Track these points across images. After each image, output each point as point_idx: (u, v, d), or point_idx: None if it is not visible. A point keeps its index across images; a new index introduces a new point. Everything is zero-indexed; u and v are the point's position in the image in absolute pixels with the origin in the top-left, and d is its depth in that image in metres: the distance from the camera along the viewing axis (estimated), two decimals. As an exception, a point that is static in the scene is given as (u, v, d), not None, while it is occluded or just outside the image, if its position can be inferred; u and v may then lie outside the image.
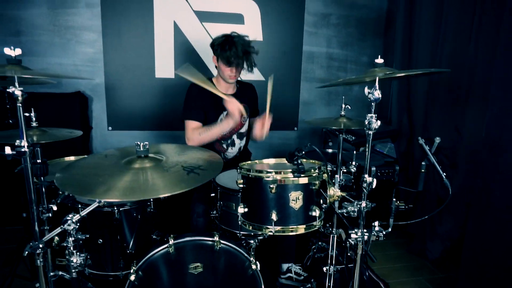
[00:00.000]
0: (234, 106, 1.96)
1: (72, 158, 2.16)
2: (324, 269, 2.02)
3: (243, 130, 2.35)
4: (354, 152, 2.11)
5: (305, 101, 3.35)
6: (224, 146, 2.30)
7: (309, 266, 2.39)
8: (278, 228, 1.37)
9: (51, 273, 1.66)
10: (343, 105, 1.90)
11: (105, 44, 2.90)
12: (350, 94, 3.43)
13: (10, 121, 2.06)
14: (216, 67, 2.23)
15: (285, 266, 2.26)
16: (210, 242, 1.56)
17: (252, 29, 3.08)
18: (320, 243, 2.44)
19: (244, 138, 2.39)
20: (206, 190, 1.96)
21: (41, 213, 1.67)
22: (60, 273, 1.71)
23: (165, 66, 3.03)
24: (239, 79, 2.29)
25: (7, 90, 1.25)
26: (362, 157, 2.80)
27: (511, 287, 1.80)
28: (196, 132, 2.10)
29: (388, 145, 3.13)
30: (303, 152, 1.30)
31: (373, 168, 2.84)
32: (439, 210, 1.66)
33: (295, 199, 1.37)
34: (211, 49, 2.18)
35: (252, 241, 1.85)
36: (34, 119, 1.66)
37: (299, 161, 1.32)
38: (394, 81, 3.03)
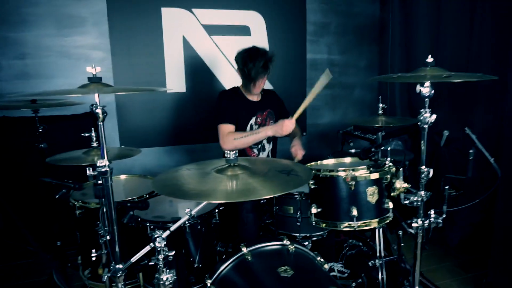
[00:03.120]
0: (290, 127, 2.01)
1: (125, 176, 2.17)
2: (370, 263, 2.10)
3: None
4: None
5: (311, 106, 3.45)
6: (255, 151, 2.34)
7: (345, 263, 2.45)
8: (359, 223, 1.43)
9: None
10: (380, 105, 2.01)
11: (114, 62, 2.85)
12: (351, 98, 3.59)
13: (42, 145, 1.98)
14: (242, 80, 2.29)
15: (327, 266, 2.30)
16: (281, 247, 1.59)
17: (258, 40, 3.15)
18: (351, 240, 2.51)
19: (271, 142, 2.44)
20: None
21: (99, 236, 1.63)
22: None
23: (176, 81, 3.02)
24: None
25: (93, 109, 1.23)
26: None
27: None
28: (231, 136, 2.11)
29: (393, 142, 3.30)
30: (382, 147, 1.38)
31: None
32: (491, 191, 1.79)
33: (372, 194, 1.44)
34: (236, 63, 2.23)
35: (306, 243, 1.90)
36: (94, 139, 1.60)
37: (377, 157, 1.39)
38: (397, 82, 3.22)
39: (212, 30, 3.04)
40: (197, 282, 1.63)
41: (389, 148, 2.20)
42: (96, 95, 1.25)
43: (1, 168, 2.61)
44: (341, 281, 2.27)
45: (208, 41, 3.04)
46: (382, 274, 2.01)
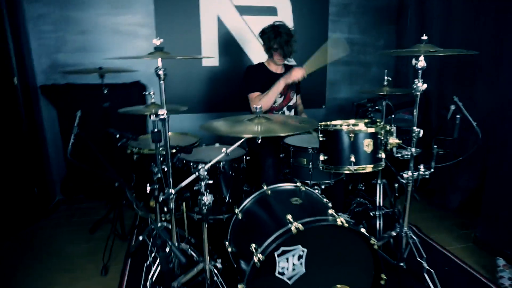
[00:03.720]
0: (300, 72, 2.49)
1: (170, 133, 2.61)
2: (371, 213, 2.49)
3: (291, 103, 2.79)
4: (393, 116, 2.55)
5: (331, 81, 3.79)
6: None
7: (352, 217, 2.84)
8: (356, 167, 1.81)
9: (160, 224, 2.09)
10: (385, 77, 2.33)
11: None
12: (368, 75, 3.88)
13: (105, 104, 2.45)
14: (266, 52, 2.67)
15: (330, 205, 2.69)
16: (295, 187, 2.01)
17: (284, 19, 3.42)
18: (358, 199, 2.89)
19: (293, 110, 2.82)
20: (274, 152, 2.40)
21: (153, 174, 2.09)
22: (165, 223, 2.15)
23: (210, 56, 3.42)
24: (286, 62, 2.74)
25: (157, 71, 1.66)
26: (397, 120, 3.23)
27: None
28: (257, 99, 2.53)
29: (406, 116, 3.59)
30: (377, 107, 1.75)
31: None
32: (472, 151, 2.12)
33: (368, 145, 1.81)
34: (261, 38, 2.61)
35: (316, 189, 2.30)
36: (153, 96, 2.04)
37: (372, 114, 1.76)
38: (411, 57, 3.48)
39: (243, 10, 3.40)
40: (227, 212, 2.08)
41: (392, 116, 2.53)
42: (159, 60, 1.67)
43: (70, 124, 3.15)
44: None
45: (239, 20, 3.41)
46: (379, 221, 2.39)
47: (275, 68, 2.71)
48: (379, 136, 1.84)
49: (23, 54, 2.95)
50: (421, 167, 2.01)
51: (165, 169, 1.88)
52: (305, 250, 1.55)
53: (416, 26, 3.43)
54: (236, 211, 1.93)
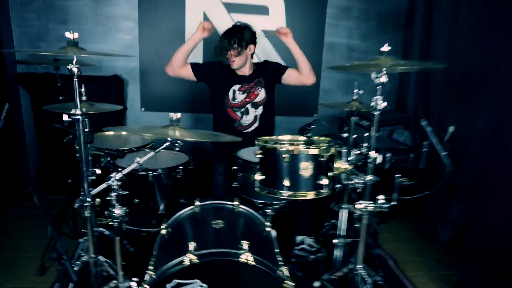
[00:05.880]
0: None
1: (111, 132, 2.45)
2: (334, 241, 2.21)
3: (258, 99, 2.55)
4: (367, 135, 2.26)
5: (325, 89, 3.51)
6: (239, 114, 2.53)
7: (322, 241, 2.57)
8: (290, 193, 1.57)
9: (95, 228, 1.95)
10: (355, 91, 2.05)
11: (140, 32, 3.17)
12: (369, 84, 3.51)
13: (60, 97, 2.35)
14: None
15: (299, 238, 2.45)
16: (231, 206, 1.79)
17: (276, 20, 3.25)
18: (333, 220, 2.60)
19: (260, 108, 2.57)
20: (227, 163, 2.19)
21: (87, 176, 1.96)
22: (101, 229, 2.02)
23: (194, 54, 3.22)
24: (256, 61, 2.63)
25: (67, 67, 1.51)
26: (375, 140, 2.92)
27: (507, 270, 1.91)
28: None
29: (405, 134, 3.23)
30: (313, 126, 1.49)
31: (388, 155, 2.98)
32: (438, 186, 1.80)
33: (305, 168, 1.56)
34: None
35: (269, 210, 2.06)
36: (84, 93, 1.90)
37: (309, 134, 1.51)
38: (412, 72, 3.14)
39: (232, 8, 3.20)
40: (157, 225, 1.90)
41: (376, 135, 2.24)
42: (74, 56, 1.52)
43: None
44: (307, 254, 2.40)
45: (226, 18, 3.21)
46: (339, 252, 2.12)
47: (242, 71, 2.52)
48: (320, 159, 1.58)
49: (2, 41, 2.92)
50: (380, 198, 1.72)
51: (98, 172, 1.76)
52: (204, 286, 1.33)
53: (422, 36, 3.07)
54: (162, 226, 1.75)
